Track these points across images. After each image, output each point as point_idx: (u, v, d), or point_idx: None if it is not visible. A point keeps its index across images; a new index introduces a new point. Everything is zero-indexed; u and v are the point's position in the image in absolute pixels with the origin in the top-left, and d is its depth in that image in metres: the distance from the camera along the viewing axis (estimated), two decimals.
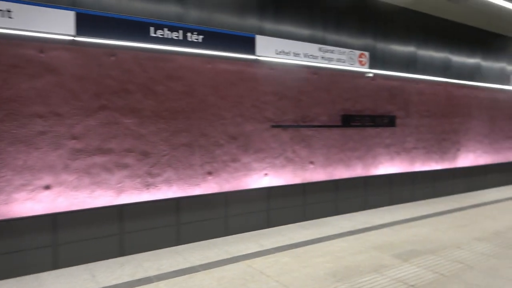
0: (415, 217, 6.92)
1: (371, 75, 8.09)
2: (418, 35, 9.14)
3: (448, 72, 9.89)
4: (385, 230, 6.10)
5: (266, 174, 7.01)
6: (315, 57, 7.02)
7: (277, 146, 7.25)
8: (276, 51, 6.49)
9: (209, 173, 6.40)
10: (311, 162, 7.71)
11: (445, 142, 10.35)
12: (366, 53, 7.72)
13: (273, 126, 7.11)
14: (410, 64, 8.92)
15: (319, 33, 7.39)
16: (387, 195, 8.65)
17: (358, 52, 7.59)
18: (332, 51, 7.14)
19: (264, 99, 7.04)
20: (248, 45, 6.21)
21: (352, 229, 6.27)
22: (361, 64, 7.60)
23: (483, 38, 10.91)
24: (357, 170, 8.48)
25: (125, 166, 5.63)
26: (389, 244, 5.35)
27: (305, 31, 7.23)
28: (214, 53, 5.99)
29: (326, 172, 7.97)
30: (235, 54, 6.15)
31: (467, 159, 10.94)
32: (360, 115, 8.30)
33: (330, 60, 7.10)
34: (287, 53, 6.54)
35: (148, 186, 5.81)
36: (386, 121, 8.78)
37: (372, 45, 8.18)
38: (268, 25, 6.78)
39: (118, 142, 5.56)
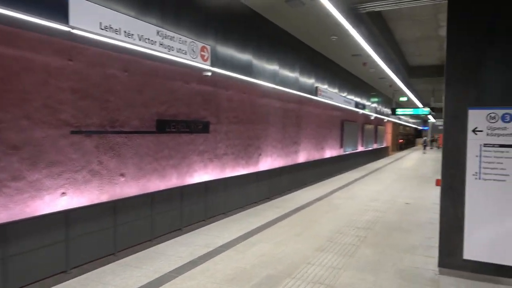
0: (251, 230, 6.52)
1: (209, 73, 7.45)
2: (255, 39, 9.07)
3: (277, 79, 10.32)
4: (229, 252, 5.37)
5: (63, 193, 5.54)
6: (152, 42, 5.62)
7: (79, 157, 5.81)
8: (101, 24, 4.78)
9: None
10: (122, 175, 6.57)
11: (250, 147, 10.84)
12: (208, 47, 7.01)
13: (73, 132, 5.68)
14: (247, 67, 8.77)
15: (155, 20, 6.16)
16: (202, 205, 8.27)
17: (200, 45, 6.77)
18: (172, 38, 5.97)
19: (60, 97, 5.48)
20: (57, 8, 4.23)
21: (193, 257, 5.23)
22: (203, 59, 6.78)
23: (303, 51, 12.00)
24: (173, 180, 7.78)
25: None
26: (242, 272, 4.68)
27: (136, 12, 5.88)
28: None
29: (139, 184, 6.95)
30: (29, 17, 3.99)
31: (266, 163, 11.81)
32: (176, 120, 7.67)
33: (170, 48, 5.91)
34: (117, 31, 4.96)
35: None
36: (201, 127, 8.47)
37: (213, 44, 7.55)
38: None
39: None
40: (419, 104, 24.77)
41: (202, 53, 6.65)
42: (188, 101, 8.14)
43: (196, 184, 8.21)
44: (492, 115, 4.01)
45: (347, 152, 19.75)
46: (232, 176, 9.55)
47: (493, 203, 4.03)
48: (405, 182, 12.85)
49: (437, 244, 5.50)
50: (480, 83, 4.16)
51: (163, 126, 7.34)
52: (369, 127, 25.03)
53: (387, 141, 32.70)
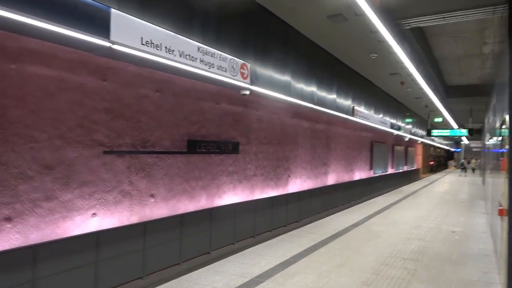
0: (289, 259, 6.02)
1: (247, 92, 7.28)
2: (293, 56, 8.93)
3: (315, 98, 10.13)
4: (268, 284, 4.89)
5: (94, 214, 5.42)
6: (193, 59, 5.44)
7: (111, 177, 5.72)
8: (142, 40, 4.62)
9: (8, 219, 4.40)
10: (152, 195, 6.44)
11: (279, 168, 10.56)
12: (248, 65, 6.83)
13: (106, 152, 5.59)
14: (286, 86, 8.59)
15: (195, 37, 6.03)
16: (231, 228, 8.04)
17: (240, 62, 6.60)
18: (213, 54, 5.83)
19: (94, 117, 5.44)
20: (98, 22, 4.10)
21: None
22: (243, 77, 6.58)
23: (340, 70, 11.84)
24: (202, 202, 7.59)
25: None
26: None
27: (177, 28, 5.74)
28: (29, 22, 3.56)
29: (169, 205, 6.79)
30: (69, 31, 3.85)
31: (295, 184, 11.47)
32: (206, 141, 7.55)
33: (210, 65, 5.76)
34: (158, 46, 4.83)
35: None
36: (231, 147, 8.31)
37: (252, 62, 7.38)
38: (128, 5, 5.00)
39: None
40: (454, 125, 23.86)
41: (242, 70, 6.46)
42: (219, 121, 8.02)
43: (225, 206, 8.02)
44: None
45: (377, 174, 19.12)
46: (262, 198, 9.29)
47: None
48: (446, 207, 12.12)
49: (497, 281, 5.01)
50: None
51: (194, 146, 7.23)
52: (399, 148, 24.28)
53: (417, 163, 31.63)
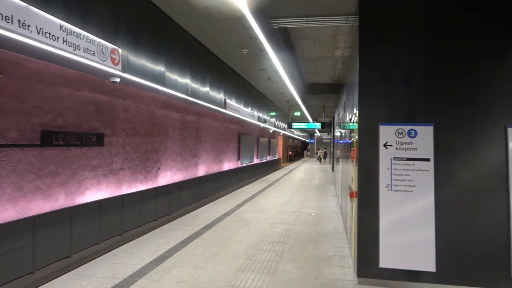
0: (163, 254, 5.77)
1: (117, 80, 6.57)
2: (168, 46, 8.43)
3: (189, 90, 9.83)
4: (142, 282, 4.56)
5: None
6: (55, 38, 4.64)
7: None
8: None
9: None
10: None
11: (149, 161, 10.19)
12: (119, 50, 6.20)
13: None
14: (159, 75, 8.07)
15: (57, 13, 5.07)
16: (96, 226, 7.48)
17: (110, 46, 5.93)
18: (78, 35, 5.03)
19: None
20: None
21: None
22: (114, 63, 5.87)
23: (214, 62, 11.72)
24: (60, 200, 6.81)
25: None
26: None
27: (34, 1, 4.72)
28: None
29: (18, 207, 5.90)
30: None
31: (166, 177, 11.24)
32: (65, 132, 6.79)
33: (76, 47, 4.95)
34: (7, 18, 3.86)
35: None
36: (94, 139, 7.65)
37: (124, 47, 6.67)
38: None
39: None
40: (310, 119, 26.61)
41: (113, 56, 5.88)
42: (80, 110, 7.28)
43: (88, 204, 7.41)
44: (400, 130, 4.36)
45: (244, 165, 20.07)
46: (130, 193, 8.83)
47: (403, 213, 4.36)
48: (304, 193, 13.47)
49: (348, 254, 5.79)
50: (388, 100, 4.50)
51: (49, 138, 6.45)
52: (264, 140, 25.94)
53: (279, 153, 34.35)
